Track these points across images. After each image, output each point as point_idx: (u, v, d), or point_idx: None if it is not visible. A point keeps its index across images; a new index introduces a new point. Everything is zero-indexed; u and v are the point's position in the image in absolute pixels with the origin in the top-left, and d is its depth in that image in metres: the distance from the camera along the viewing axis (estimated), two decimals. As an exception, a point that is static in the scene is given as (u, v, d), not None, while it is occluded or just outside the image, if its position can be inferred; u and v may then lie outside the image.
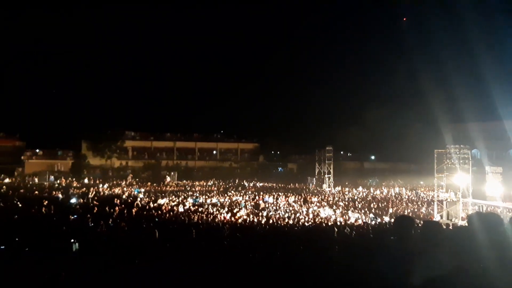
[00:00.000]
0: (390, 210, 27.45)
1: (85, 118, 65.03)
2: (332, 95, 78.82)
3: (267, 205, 28.63)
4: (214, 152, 64.97)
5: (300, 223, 21.16)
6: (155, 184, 42.58)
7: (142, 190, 36.97)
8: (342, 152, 63.19)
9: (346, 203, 30.83)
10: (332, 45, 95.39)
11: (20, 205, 22.06)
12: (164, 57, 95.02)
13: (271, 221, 21.19)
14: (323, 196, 35.41)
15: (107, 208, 21.43)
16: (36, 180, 42.85)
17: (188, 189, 39.78)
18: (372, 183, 49.86)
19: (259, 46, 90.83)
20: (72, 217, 17.60)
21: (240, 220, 21.44)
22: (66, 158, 55.85)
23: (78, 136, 56.36)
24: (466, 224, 4.00)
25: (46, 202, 21.90)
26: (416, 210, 28.39)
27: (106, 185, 39.11)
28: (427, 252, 3.65)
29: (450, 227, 17.02)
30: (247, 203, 29.18)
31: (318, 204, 30.11)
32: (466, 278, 3.17)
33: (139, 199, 28.47)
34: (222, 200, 30.72)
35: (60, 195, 28.86)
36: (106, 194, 32.94)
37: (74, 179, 44.00)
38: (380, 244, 6.76)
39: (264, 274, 7.68)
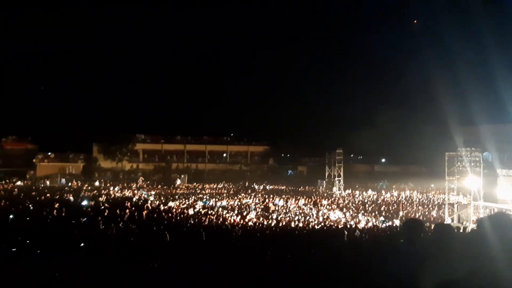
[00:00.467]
0: (401, 213, 27.30)
1: (96, 121, 65.58)
2: (343, 98, 78.39)
3: (277, 208, 28.62)
4: (224, 155, 64.96)
5: (310, 226, 21.12)
6: (165, 187, 42.83)
7: (152, 192, 37.20)
8: (352, 155, 62.70)
9: (356, 206, 30.71)
10: (342, 48, 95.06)
11: (31, 208, 22.23)
12: (174, 60, 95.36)
13: (281, 224, 21.18)
14: (333, 199, 35.31)
15: (118, 210, 21.52)
16: (48, 182, 43.34)
17: (198, 191, 39.97)
18: (382, 186, 49.54)
19: (270, 49, 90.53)
20: (83, 220, 17.73)
21: (250, 223, 21.46)
22: (77, 161, 56.44)
23: (90, 139, 56.86)
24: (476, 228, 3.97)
25: (58, 204, 22.07)
26: (426, 213, 28.20)
27: (117, 188, 39.40)
28: (439, 255, 3.63)
29: (461, 230, 16.85)
30: (257, 206, 29.20)
31: (328, 207, 30.02)
32: (478, 282, 3.16)
33: (149, 201, 28.60)
34: (232, 202, 30.78)
35: (71, 198, 29.03)
36: (117, 196, 33.14)
37: (85, 181, 44.35)
38: (390, 247, 6.73)
39: (275, 276, 7.68)
